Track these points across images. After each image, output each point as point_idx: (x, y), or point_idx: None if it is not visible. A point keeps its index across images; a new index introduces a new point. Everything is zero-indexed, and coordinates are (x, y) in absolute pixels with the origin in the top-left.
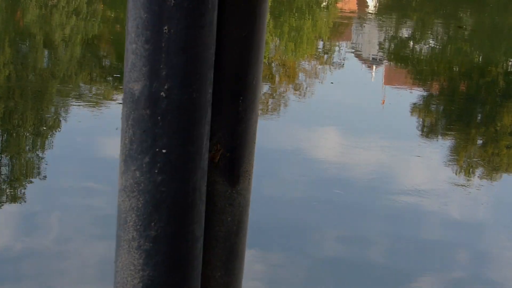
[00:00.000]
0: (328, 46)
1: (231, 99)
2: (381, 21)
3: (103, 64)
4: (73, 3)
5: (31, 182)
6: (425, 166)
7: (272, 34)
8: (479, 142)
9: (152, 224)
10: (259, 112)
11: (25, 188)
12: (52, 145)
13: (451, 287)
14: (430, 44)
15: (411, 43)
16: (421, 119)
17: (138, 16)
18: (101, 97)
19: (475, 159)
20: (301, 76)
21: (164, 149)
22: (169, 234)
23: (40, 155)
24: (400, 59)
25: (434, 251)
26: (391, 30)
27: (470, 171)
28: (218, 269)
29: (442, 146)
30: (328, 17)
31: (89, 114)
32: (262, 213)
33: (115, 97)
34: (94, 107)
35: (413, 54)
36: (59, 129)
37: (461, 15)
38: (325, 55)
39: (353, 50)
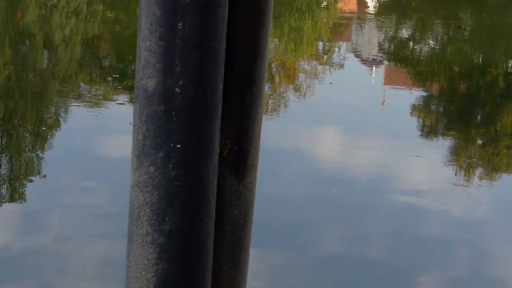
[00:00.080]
0: (328, 47)
1: (240, 94)
2: (380, 21)
3: (103, 64)
4: (73, 3)
5: (30, 181)
6: (424, 166)
7: (272, 34)
8: (479, 142)
9: (167, 218)
10: None
11: (24, 188)
12: (52, 145)
13: (450, 286)
14: (430, 45)
15: (411, 43)
16: (421, 119)
17: (152, 13)
18: (101, 98)
19: (474, 159)
20: (301, 76)
21: (178, 144)
22: (183, 228)
23: (40, 154)
24: (400, 60)
25: (433, 250)
26: (391, 31)
27: (470, 171)
28: (225, 262)
29: (441, 146)
30: (328, 18)
31: (88, 114)
32: (262, 212)
33: (114, 97)
34: (93, 107)
35: (413, 54)
36: (59, 129)
37: (461, 15)
38: (325, 56)
39: (353, 51)
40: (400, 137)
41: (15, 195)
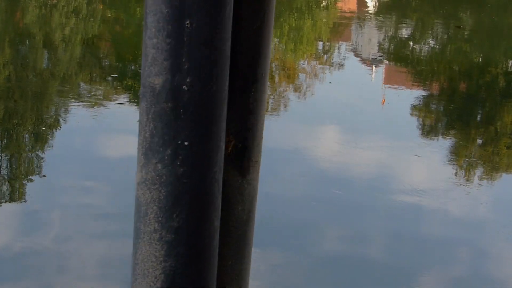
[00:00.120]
0: (327, 46)
1: (243, 91)
2: (380, 21)
3: (103, 64)
4: (73, 3)
5: (30, 181)
6: (424, 166)
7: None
8: (479, 142)
9: (174, 215)
10: None
11: (24, 188)
12: (52, 145)
13: (450, 286)
14: (430, 44)
15: (411, 43)
16: (420, 119)
17: (159, 11)
18: (101, 97)
19: (474, 159)
20: (301, 76)
21: (186, 141)
22: (190, 225)
23: (40, 154)
24: (400, 59)
25: (433, 250)
26: (390, 30)
27: (470, 171)
28: (229, 258)
29: (441, 145)
30: (328, 17)
31: (88, 114)
32: (261, 212)
33: (114, 97)
34: (93, 107)
35: (412, 54)
36: (59, 129)
37: (460, 15)
38: (325, 55)
39: (353, 50)
40: (400, 136)
41: (15, 195)
